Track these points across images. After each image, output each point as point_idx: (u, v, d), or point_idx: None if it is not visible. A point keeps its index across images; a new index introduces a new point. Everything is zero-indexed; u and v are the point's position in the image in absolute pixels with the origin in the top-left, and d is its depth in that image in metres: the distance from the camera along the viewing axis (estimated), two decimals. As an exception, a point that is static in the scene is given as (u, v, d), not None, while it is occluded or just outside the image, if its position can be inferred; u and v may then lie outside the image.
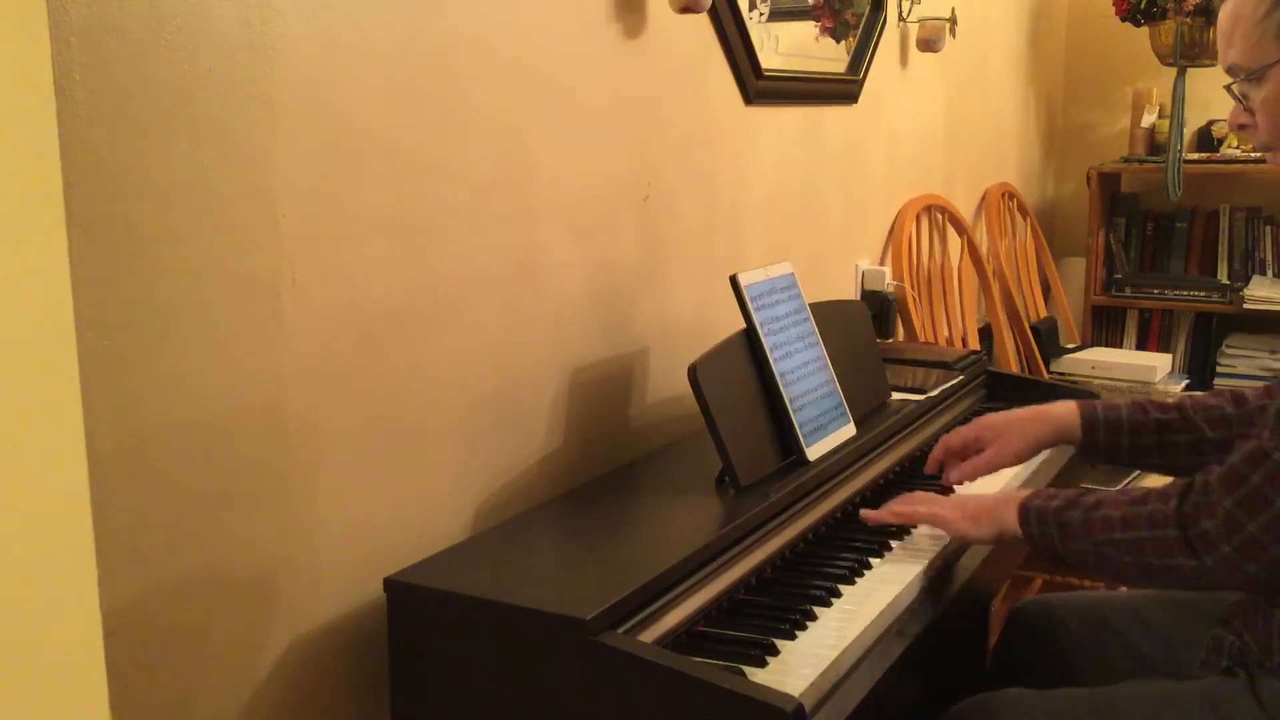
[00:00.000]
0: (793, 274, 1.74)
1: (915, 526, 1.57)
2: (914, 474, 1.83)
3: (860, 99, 2.61)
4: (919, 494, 1.59)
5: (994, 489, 1.73)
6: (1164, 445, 1.59)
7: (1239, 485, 1.24)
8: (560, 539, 1.49)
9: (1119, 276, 3.94)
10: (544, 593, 1.24)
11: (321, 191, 1.30)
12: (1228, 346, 3.80)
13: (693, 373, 1.49)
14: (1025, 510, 1.41)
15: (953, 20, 2.90)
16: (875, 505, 1.68)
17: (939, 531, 1.53)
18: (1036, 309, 3.57)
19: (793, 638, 1.27)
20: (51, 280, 0.71)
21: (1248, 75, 1.31)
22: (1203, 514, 1.26)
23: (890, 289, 2.74)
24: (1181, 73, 3.68)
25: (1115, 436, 1.61)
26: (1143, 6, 3.63)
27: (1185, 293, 3.81)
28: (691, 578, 1.31)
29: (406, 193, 1.42)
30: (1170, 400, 1.64)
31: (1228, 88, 1.36)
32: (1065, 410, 1.64)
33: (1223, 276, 3.85)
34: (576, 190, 1.72)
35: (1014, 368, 3.24)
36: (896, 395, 1.99)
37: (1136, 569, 1.32)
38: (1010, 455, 1.66)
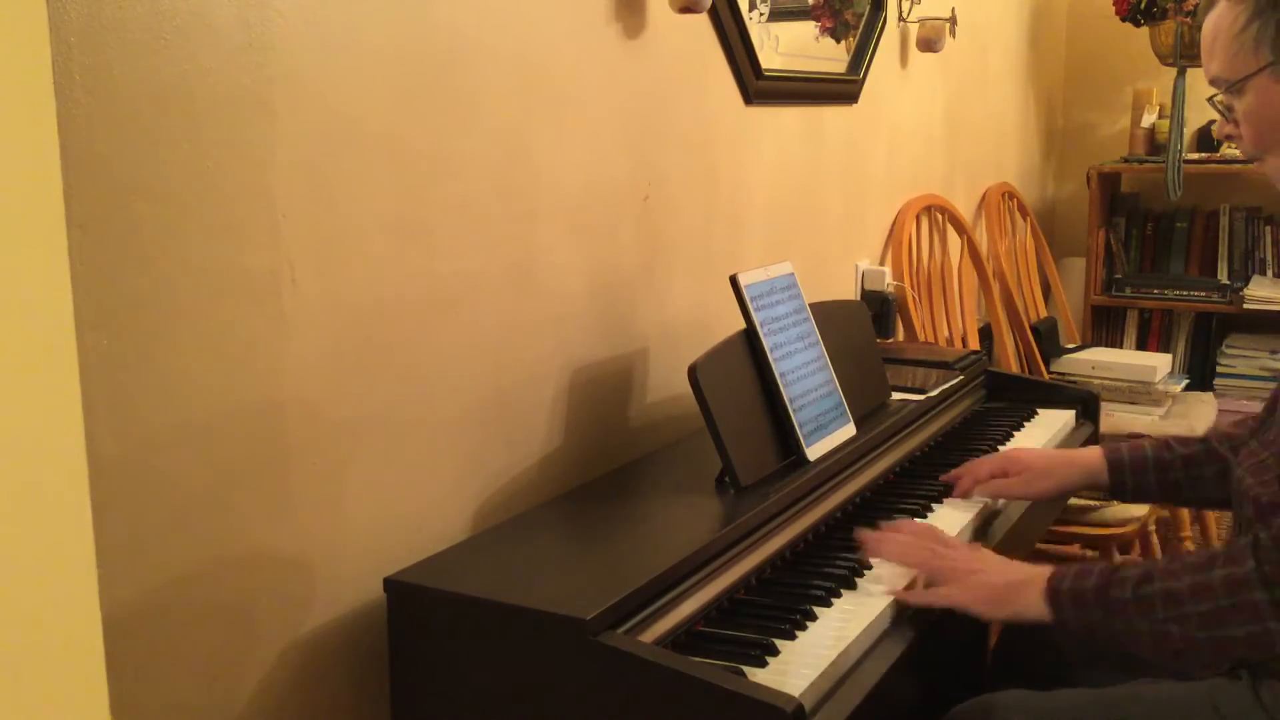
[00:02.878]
0: (793, 274, 1.74)
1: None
2: (914, 474, 1.83)
3: (860, 99, 2.61)
4: (927, 537, 1.45)
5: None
6: (1193, 479, 1.59)
7: None
8: (560, 539, 1.49)
9: (1119, 276, 3.94)
10: (544, 593, 1.24)
11: (321, 191, 1.30)
12: (1228, 346, 3.80)
13: (693, 373, 1.49)
14: (1055, 593, 1.31)
15: (953, 20, 2.90)
16: (875, 505, 1.69)
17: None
18: (1036, 309, 3.57)
19: (793, 638, 1.27)
20: (51, 280, 0.71)
21: (1229, 87, 1.33)
22: None
23: (890, 289, 2.74)
24: (1181, 73, 3.68)
25: (1142, 476, 1.61)
26: (1143, 6, 3.63)
27: (1185, 293, 3.81)
28: (691, 578, 1.31)
29: (406, 192, 1.42)
30: (1195, 436, 1.63)
31: (1211, 100, 1.38)
32: (1092, 456, 1.65)
33: (1223, 276, 3.85)
34: (576, 190, 1.72)
35: (1014, 368, 3.24)
36: (896, 395, 1.99)
37: (1210, 643, 1.23)
38: (1031, 494, 1.68)
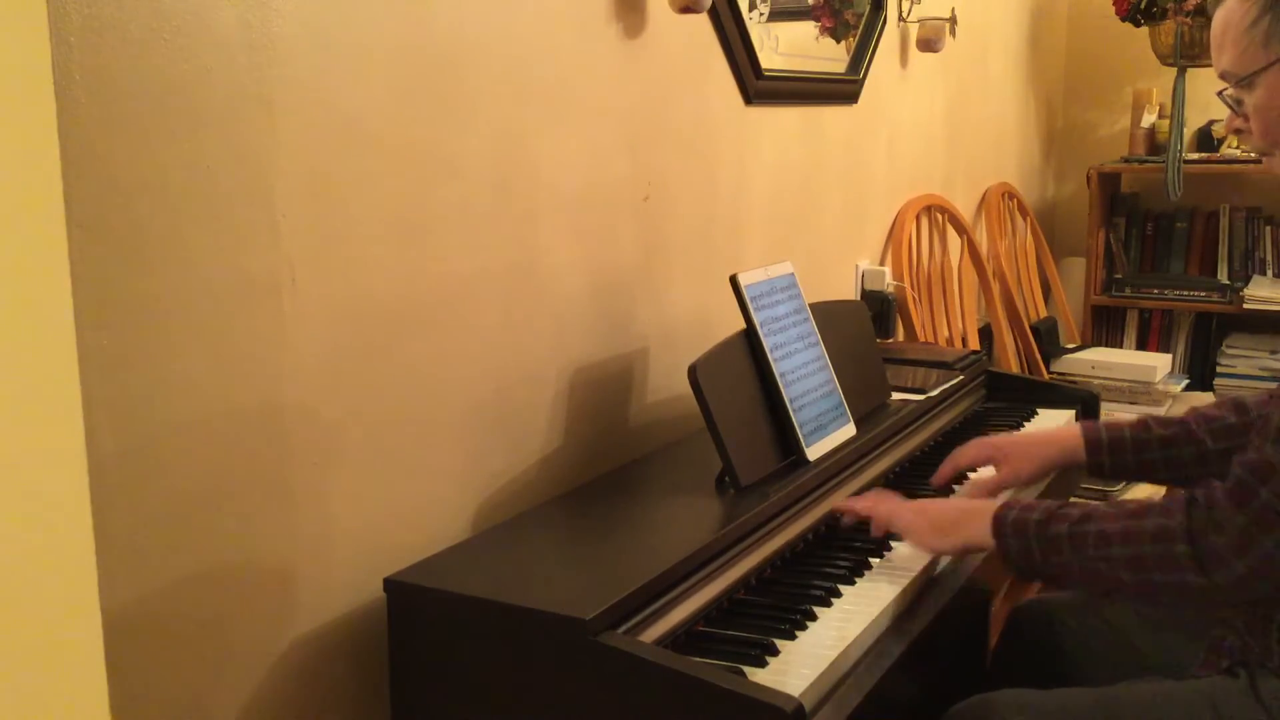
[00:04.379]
0: (793, 274, 1.74)
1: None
2: (914, 474, 1.83)
3: (860, 99, 2.61)
4: (886, 491, 1.59)
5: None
6: (1169, 460, 1.61)
7: (1249, 500, 1.21)
8: (560, 539, 1.49)
9: (1119, 276, 3.94)
10: (544, 593, 1.24)
11: (321, 191, 1.30)
12: (1228, 346, 3.80)
13: (693, 373, 1.49)
14: (1000, 522, 1.37)
15: (953, 20, 2.90)
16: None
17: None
18: (1036, 309, 3.57)
19: (793, 638, 1.27)
20: (51, 280, 0.71)
21: (1239, 81, 1.33)
22: (1211, 530, 1.23)
23: (890, 289, 2.74)
24: (1181, 73, 3.68)
25: (1120, 456, 1.63)
26: (1143, 7, 3.63)
27: (1185, 293, 3.81)
28: (691, 578, 1.31)
29: (406, 192, 1.42)
30: (1175, 417, 1.64)
31: (1220, 94, 1.37)
32: (1070, 433, 1.67)
33: (1223, 276, 3.85)
34: (576, 190, 1.72)
35: (1014, 368, 3.24)
36: (896, 395, 1.99)
37: (1136, 585, 1.29)
38: (1020, 479, 1.68)
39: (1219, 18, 1.35)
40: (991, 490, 1.68)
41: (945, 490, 1.73)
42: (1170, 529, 1.26)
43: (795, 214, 2.39)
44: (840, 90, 2.54)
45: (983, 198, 3.55)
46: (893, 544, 1.52)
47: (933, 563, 1.48)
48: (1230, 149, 3.81)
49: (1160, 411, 3.18)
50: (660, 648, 1.20)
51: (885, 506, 1.53)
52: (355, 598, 1.38)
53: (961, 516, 1.44)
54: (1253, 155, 3.63)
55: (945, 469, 1.73)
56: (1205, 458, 1.56)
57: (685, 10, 1.85)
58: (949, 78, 3.18)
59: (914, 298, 2.82)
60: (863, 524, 1.56)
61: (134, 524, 1.14)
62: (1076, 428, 1.67)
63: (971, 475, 1.76)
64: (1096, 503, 1.38)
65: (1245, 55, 1.31)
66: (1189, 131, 3.85)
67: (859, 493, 1.68)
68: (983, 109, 3.51)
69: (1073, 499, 1.59)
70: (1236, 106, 1.36)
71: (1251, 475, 1.22)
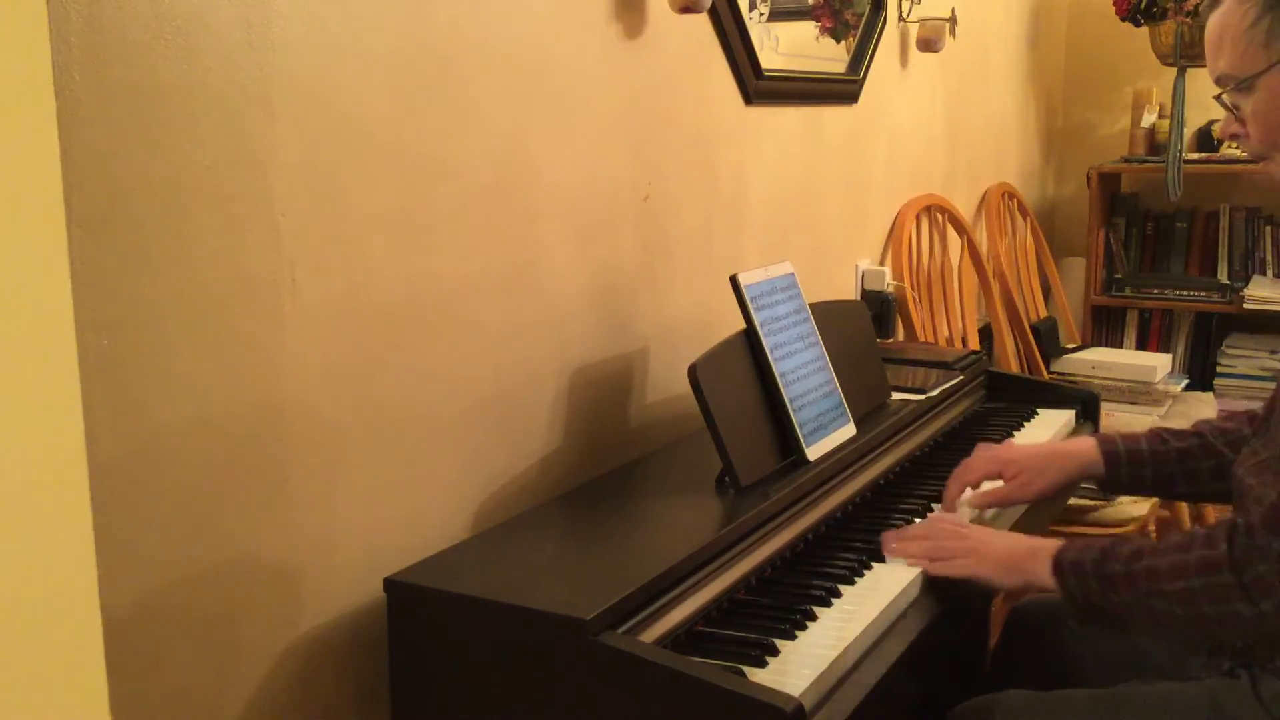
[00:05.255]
0: (793, 274, 1.74)
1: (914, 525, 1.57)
2: (914, 474, 1.83)
3: (860, 99, 2.61)
4: (944, 528, 1.50)
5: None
6: (1188, 474, 1.58)
7: None
8: (560, 539, 1.49)
9: (1119, 276, 3.94)
10: (544, 593, 1.24)
11: (321, 191, 1.30)
12: (1228, 346, 3.80)
13: (693, 373, 1.49)
14: (1060, 565, 1.35)
15: (953, 20, 2.90)
16: (875, 505, 1.68)
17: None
18: (1036, 309, 3.57)
19: (793, 638, 1.26)
20: (51, 280, 0.71)
21: (1237, 85, 1.31)
22: (1255, 558, 1.22)
23: (890, 289, 2.74)
24: (1181, 73, 3.68)
25: (1138, 469, 1.60)
26: (1143, 6, 3.63)
27: (1185, 293, 3.81)
28: (691, 578, 1.31)
29: (406, 193, 1.42)
30: (1187, 428, 1.61)
31: (1218, 98, 1.36)
32: (1086, 447, 1.62)
33: (1223, 276, 3.85)
34: (576, 190, 1.72)
35: (1014, 368, 3.24)
36: (896, 395, 1.99)
37: (1188, 620, 1.27)
38: (1030, 496, 1.63)
39: (1214, 21, 1.33)
40: (999, 503, 1.64)
41: (953, 510, 1.64)
42: (1215, 560, 1.25)
43: (795, 214, 2.39)
44: (840, 90, 2.54)
45: (983, 198, 3.55)
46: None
47: (933, 563, 1.48)
48: (1230, 149, 3.80)
49: (1160, 411, 3.18)
50: (660, 648, 1.20)
51: (961, 561, 1.43)
52: (355, 598, 1.38)
53: (1023, 556, 1.40)
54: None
55: (953, 488, 1.63)
56: (1223, 470, 1.51)
57: (685, 10, 1.85)
58: (949, 78, 3.18)
59: (914, 298, 2.82)
60: (857, 522, 1.56)
61: (134, 524, 1.14)
62: (1090, 441, 1.63)
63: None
64: (1145, 539, 1.36)
65: (1244, 57, 1.29)
66: (1189, 131, 3.85)
67: (859, 492, 1.68)
68: (983, 109, 3.51)
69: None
70: (1234, 111, 1.35)
71: None
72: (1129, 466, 1.60)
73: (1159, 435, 1.60)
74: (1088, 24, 4.17)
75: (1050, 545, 1.38)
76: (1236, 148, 3.70)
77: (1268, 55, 1.27)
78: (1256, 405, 1.52)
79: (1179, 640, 1.36)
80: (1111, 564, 1.31)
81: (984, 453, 1.65)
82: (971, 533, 1.47)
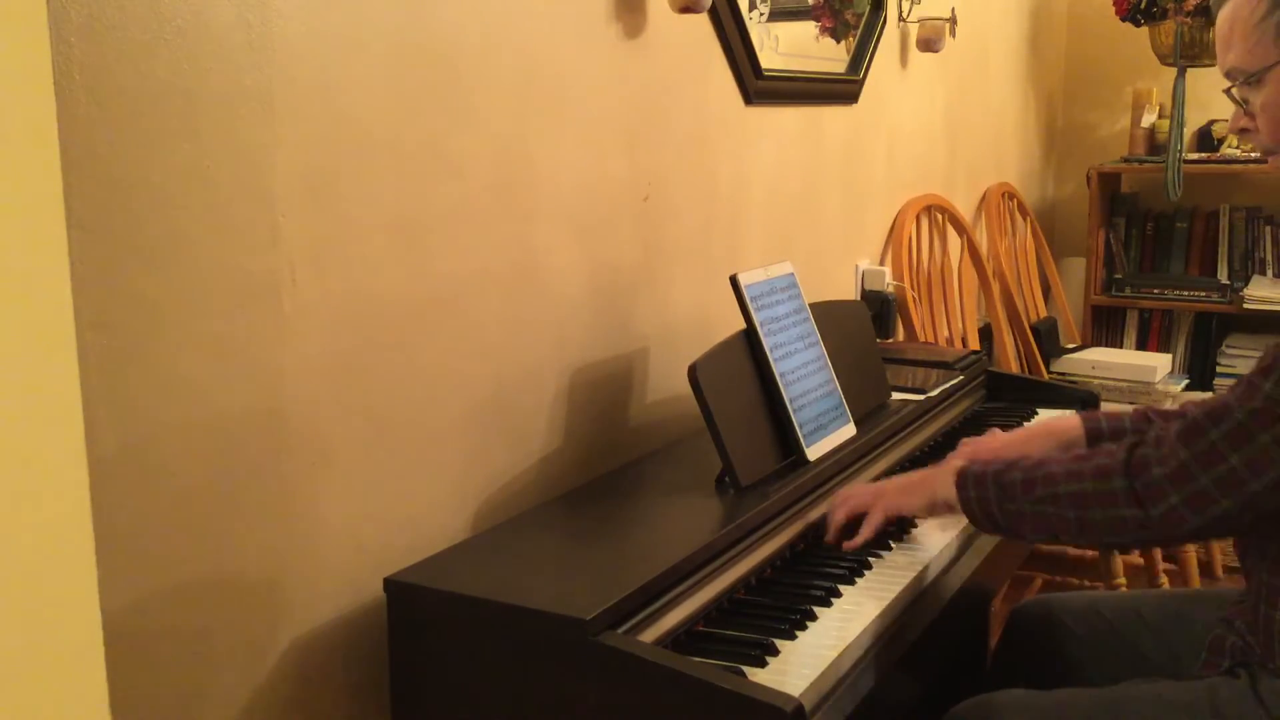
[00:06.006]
0: (793, 274, 1.74)
1: (915, 525, 1.58)
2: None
3: (860, 99, 2.61)
4: (853, 491, 1.56)
5: None
6: None
7: (1197, 439, 1.24)
8: (560, 539, 1.49)
9: (1119, 276, 3.94)
10: (544, 593, 1.24)
11: (321, 191, 1.30)
12: (1228, 346, 3.80)
13: (693, 373, 1.49)
14: (962, 475, 1.41)
15: (953, 20, 2.90)
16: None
17: (940, 530, 1.52)
18: (1036, 309, 3.57)
19: (793, 638, 1.27)
20: (51, 280, 0.71)
21: (1247, 78, 1.31)
22: (1152, 463, 1.27)
23: (890, 289, 2.74)
24: (1181, 73, 3.67)
25: (1120, 441, 1.60)
26: (1143, 6, 3.63)
27: (1185, 293, 3.81)
28: (691, 578, 1.31)
29: (406, 192, 1.42)
30: (1174, 409, 1.62)
31: (1227, 91, 1.36)
32: (1069, 425, 1.64)
33: (1223, 276, 3.85)
34: (576, 190, 1.72)
35: (1014, 368, 3.24)
36: (896, 395, 1.99)
37: (1077, 524, 1.32)
38: None
39: (1225, 14, 1.33)
40: None
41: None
42: (1110, 466, 1.30)
43: (795, 214, 2.39)
44: (840, 90, 2.54)
45: (983, 198, 3.55)
46: (892, 544, 1.52)
47: (933, 562, 1.48)
48: (1230, 149, 3.81)
49: (1160, 411, 3.17)
50: (660, 648, 1.20)
51: (852, 501, 1.54)
52: (355, 598, 1.38)
53: (927, 476, 1.49)
54: (1254, 154, 3.63)
55: None
56: None
57: (685, 10, 1.85)
58: (949, 78, 3.18)
59: (914, 298, 2.82)
60: (857, 522, 1.56)
61: (134, 524, 1.14)
62: (1075, 418, 1.65)
63: None
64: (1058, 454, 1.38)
65: (1254, 51, 1.29)
66: (1189, 131, 3.85)
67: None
68: (983, 109, 3.51)
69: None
70: (1244, 105, 1.34)
71: (1206, 418, 1.25)
72: (1111, 440, 1.60)
73: (1143, 413, 1.62)
74: (1088, 24, 4.17)
75: (957, 463, 1.45)
76: (1238, 145, 3.74)
77: (1278, 49, 1.27)
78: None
79: (1063, 542, 1.39)
80: (1012, 472, 1.37)
81: (964, 447, 1.67)
82: (877, 484, 1.56)
